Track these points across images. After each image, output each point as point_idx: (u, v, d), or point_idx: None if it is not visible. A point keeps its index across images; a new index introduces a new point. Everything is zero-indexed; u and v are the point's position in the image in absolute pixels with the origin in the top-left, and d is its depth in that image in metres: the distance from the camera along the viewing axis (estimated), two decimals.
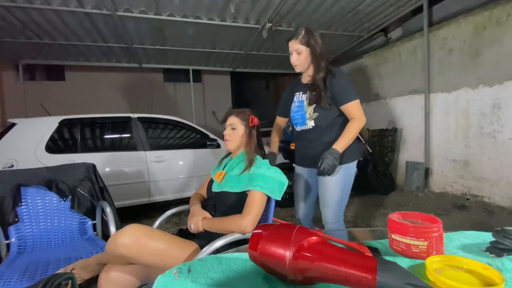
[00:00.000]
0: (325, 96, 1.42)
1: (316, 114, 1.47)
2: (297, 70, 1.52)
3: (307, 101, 1.48)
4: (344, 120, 1.47)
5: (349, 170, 1.49)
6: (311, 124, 1.49)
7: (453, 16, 3.65)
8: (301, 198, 1.68)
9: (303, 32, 1.43)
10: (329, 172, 1.34)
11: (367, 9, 3.92)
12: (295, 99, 1.58)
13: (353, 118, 1.42)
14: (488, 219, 2.88)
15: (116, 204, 2.18)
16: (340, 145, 1.38)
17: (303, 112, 1.51)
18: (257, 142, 1.31)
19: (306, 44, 1.43)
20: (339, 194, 1.48)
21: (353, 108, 1.42)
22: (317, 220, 1.75)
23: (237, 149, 1.31)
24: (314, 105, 1.46)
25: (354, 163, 1.51)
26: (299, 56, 1.46)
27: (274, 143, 1.75)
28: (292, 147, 1.70)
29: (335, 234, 0.76)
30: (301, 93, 1.54)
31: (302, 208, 1.69)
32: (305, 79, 1.56)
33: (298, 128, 1.59)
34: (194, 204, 1.31)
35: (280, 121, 1.78)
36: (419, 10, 4.02)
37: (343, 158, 1.42)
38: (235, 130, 1.28)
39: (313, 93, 1.44)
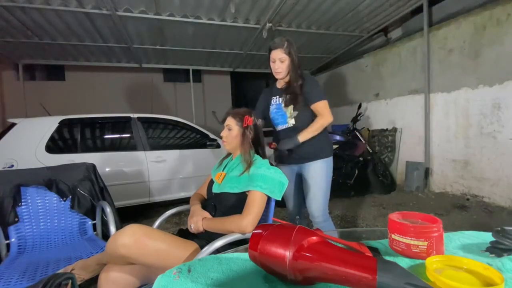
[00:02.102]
0: (301, 99, 1.61)
1: (296, 113, 1.64)
2: (279, 76, 1.66)
3: (284, 103, 1.66)
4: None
5: (329, 163, 1.67)
6: (292, 122, 1.65)
7: (453, 16, 3.65)
8: (291, 195, 1.81)
9: (286, 43, 1.59)
10: (284, 152, 1.59)
11: (367, 9, 3.92)
12: (272, 102, 1.74)
13: (320, 115, 1.61)
14: (488, 219, 2.88)
15: (116, 204, 2.18)
16: (302, 136, 1.57)
17: (283, 113, 1.67)
18: (255, 142, 1.29)
19: (289, 54, 1.59)
20: (325, 185, 1.64)
21: (320, 107, 1.60)
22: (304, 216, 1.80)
23: (235, 149, 1.31)
24: (291, 106, 1.64)
25: (331, 157, 1.70)
26: (282, 64, 1.61)
27: None
28: (273, 146, 1.75)
29: (335, 234, 0.76)
30: (277, 97, 1.71)
31: (294, 204, 1.83)
32: (280, 84, 1.73)
33: (280, 128, 1.72)
34: (194, 204, 1.31)
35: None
36: (419, 10, 4.02)
37: (325, 152, 1.65)
38: (231, 131, 1.28)
39: (288, 96, 1.63)
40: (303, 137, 1.57)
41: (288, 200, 1.84)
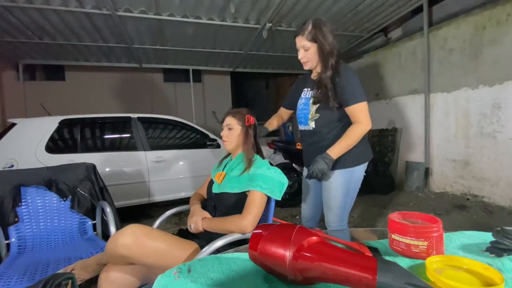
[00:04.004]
0: (332, 96, 1.33)
1: (318, 115, 1.41)
2: (306, 67, 1.43)
3: (312, 99, 1.42)
4: (344, 125, 1.39)
5: (353, 174, 1.41)
6: (312, 125, 1.44)
7: (453, 16, 3.65)
8: (307, 200, 1.65)
9: (310, 27, 1.33)
10: (318, 176, 1.30)
11: (367, 9, 3.92)
12: (302, 95, 1.51)
13: (356, 122, 1.33)
14: (488, 219, 2.88)
15: (116, 204, 2.17)
16: (335, 151, 1.31)
17: (307, 111, 1.45)
18: (254, 141, 1.30)
19: (313, 40, 1.34)
20: (341, 198, 1.42)
21: (358, 111, 1.32)
22: (322, 221, 1.75)
23: (236, 149, 1.31)
24: (317, 105, 1.40)
25: (360, 167, 1.43)
26: (307, 53, 1.37)
27: (270, 123, 1.67)
28: (298, 147, 1.66)
29: (336, 235, 0.76)
30: (309, 89, 1.48)
31: (308, 210, 1.65)
32: (314, 75, 1.48)
33: (301, 128, 1.53)
34: (194, 204, 1.31)
35: (283, 112, 1.69)
36: (419, 10, 4.02)
37: (344, 162, 1.37)
38: (232, 130, 1.28)
39: (319, 91, 1.37)
40: (336, 152, 1.30)
41: (303, 203, 1.67)
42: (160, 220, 1.41)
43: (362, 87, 1.36)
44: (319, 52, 1.35)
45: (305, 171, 1.61)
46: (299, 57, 1.40)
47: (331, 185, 1.43)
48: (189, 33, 4.36)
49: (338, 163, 1.37)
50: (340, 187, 1.41)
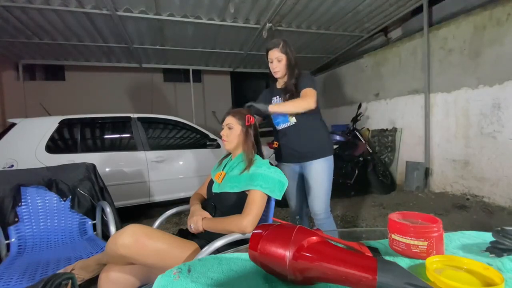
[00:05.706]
0: (297, 96, 1.61)
1: None
2: (277, 76, 1.70)
3: (284, 102, 1.66)
4: (321, 118, 1.73)
5: (331, 162, 1.69)
6: (293, 120, 1.67)
7: (453, 16, 3.65)
8: (294, 194, 1.83)
9: (282, 42, 1.64)
10: (253, 111, 1.45)
11: (367, 9, 3.92)
12: (273, 102, 1.75)
13: (302, 96, 1.58)
14: (488, 219, 2.88)
15: (116, 204, 2.18)
16: (275, 108, 1.55)
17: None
18: (254, 141, 1.30)
19: (285, 53, 1.63)
20: (326, 184, 1.66)
21: (306, 92, 1.58)
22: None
23: (235, 148, 1.31)
24: None
25: (332, 155, 1.71)
26: (280, 63, 1.65)
27: None
28: (275, 145, 1.77)
29: (335, 234, 0.76)
30: (278, 97, 1.73)
31: (296, 203, 1.84)
32: (280, 84, 1.75)
33: (281, 127, 1.74)
34: (194, 204, 1.31)
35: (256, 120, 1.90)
36: (419, 10, 4.02)
37: (325, 151, 1.66)
38: (232, 130, 1.28)
39: (287, 95, 1.65)
40: (274, 109, 1.55)
41: (290, 199, 1.86)
42: (160, 220, 1.41)
43: (315, 84, 1.63)
44: (287, 63, 1.64)
45: (288, 166, 1.79)
46: (272, 67, 1.67)
47: (318, 174, 1.65)
48: (189, 33, 4.36)
49: (320, 153, 1.64)
50: (324, 173, 1.65)
